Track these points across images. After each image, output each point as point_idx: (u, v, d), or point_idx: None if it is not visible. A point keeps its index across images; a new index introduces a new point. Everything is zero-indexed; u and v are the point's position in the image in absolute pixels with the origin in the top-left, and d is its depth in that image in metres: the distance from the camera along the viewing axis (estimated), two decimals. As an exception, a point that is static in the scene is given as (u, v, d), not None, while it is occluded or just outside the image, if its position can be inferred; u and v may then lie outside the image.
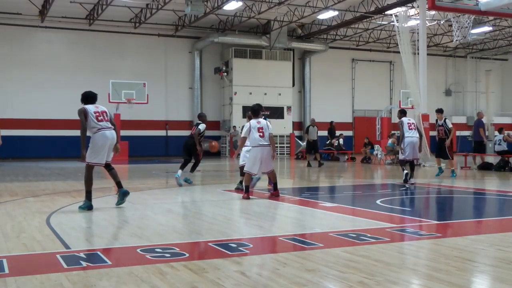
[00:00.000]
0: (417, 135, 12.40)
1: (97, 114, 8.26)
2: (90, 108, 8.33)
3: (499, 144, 17.48)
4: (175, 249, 5.25)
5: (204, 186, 12.74)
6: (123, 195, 8.42)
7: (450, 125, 14.56)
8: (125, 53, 27.99)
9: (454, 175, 14.28)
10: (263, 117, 10.08)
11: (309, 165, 19.64)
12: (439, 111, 15.08)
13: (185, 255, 5.03)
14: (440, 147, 14.82)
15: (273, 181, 9.98)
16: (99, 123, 8.20)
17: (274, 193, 9.79)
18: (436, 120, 15.04)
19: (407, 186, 11.83)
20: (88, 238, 6.01)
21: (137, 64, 27.93)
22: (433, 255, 5.05)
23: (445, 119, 14.89)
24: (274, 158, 9.84)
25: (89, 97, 8.49)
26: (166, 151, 28.75)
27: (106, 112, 8.37)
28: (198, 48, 28.93)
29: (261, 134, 9.63)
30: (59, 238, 5.89)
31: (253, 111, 10.00)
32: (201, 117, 12.60)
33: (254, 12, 24.84)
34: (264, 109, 10.54)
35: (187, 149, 12.43)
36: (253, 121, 9.78)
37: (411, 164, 12.48)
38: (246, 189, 9.63)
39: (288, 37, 29.57)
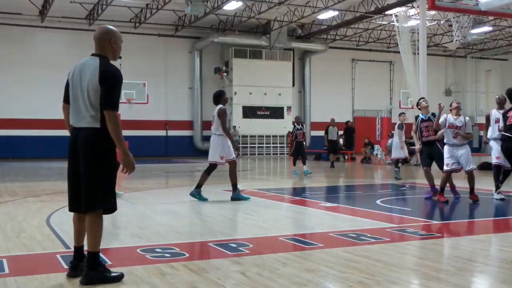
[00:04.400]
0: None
1: (212, 120, 9.05)
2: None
3: None
4: (175, 249, 5.25)
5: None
6: (234, 198, 9.29)
7: None
8: (125, 53, 27.61)
9: None
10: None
11: (332, 166, 19.36)
12: None
13: (185, 255, 5.02)
14: None
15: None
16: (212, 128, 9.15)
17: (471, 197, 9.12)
18: None
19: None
20: (88, 238, 6.00)
21: (137, 64, 27.87)
22: (433, 255, 5.05)
23: None
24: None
25: (213, 97, 9.21)
26: (166, 151, 28.73)
27: (214, 116, 9.01)
28: (198, 48, 28.91)
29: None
30: (59, 238, 5.89)
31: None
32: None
33: (254, 12, 24.83)
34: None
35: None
36: None
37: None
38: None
39: (288, 37, 29.56)
